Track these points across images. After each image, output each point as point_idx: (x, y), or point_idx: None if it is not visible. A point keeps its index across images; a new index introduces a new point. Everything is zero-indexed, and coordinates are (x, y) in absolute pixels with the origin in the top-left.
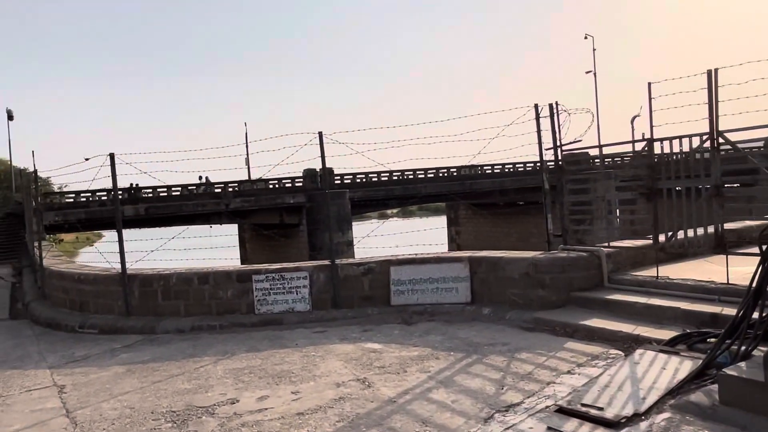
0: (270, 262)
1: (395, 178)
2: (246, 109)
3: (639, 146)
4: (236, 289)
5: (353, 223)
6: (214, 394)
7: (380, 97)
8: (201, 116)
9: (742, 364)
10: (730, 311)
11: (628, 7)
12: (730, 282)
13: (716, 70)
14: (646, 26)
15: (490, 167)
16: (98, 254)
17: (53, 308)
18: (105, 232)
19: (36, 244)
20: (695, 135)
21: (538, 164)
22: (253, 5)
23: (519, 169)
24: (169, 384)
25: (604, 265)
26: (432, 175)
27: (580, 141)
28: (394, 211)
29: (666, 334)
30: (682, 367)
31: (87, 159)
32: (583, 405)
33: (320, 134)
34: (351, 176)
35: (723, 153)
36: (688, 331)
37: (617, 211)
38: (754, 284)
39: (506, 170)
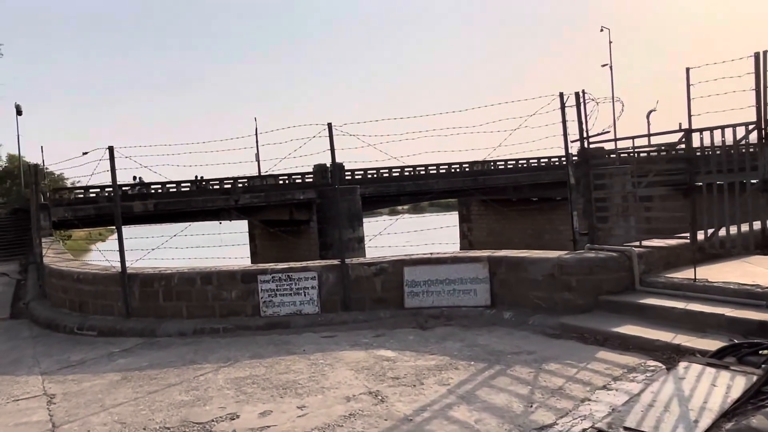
0: (280, 257)
1: (407, 173)
2: (257, 106)
3: (675, 138)
4: (241, 290)
5: (364, 220)
6: (212, 407)
7: (392, 98)
8: (212, 113)
9: None
10: None
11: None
12: None
13: (765, 52)
14: (663, 18)
15: (503, 162)
16: (107, 250)
17: (53, 308)
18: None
19: (39, 240)
20: (740, 125)
21: (554, 159)
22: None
23: (533, 165)
24: (165, 395)
25: (636, 267)
26: (444, 171)
27: (608, 132)
28: (405, 207)
29: (710, 344)
30: (734, 383)
31: (85, 153)
32: (626, 429)
33: (329, 126)
34: (362, 172)
35: None
36: (736, 341)
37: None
38: None
39: (520, 165)
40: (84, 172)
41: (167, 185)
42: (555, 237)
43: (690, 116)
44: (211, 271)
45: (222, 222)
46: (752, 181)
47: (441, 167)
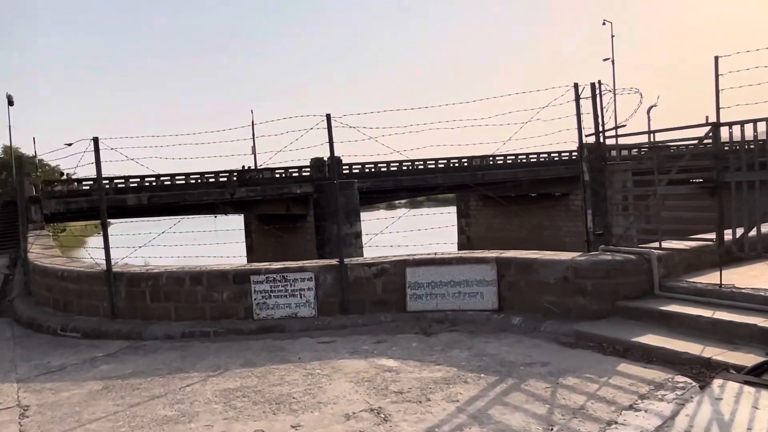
0: (277, 252)
1: (405, 168)
2: (253, 99)
3: (701, 132)
4: (233, 291)
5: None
6: (198, 425)
7: (385, 91)
8: (206, 106)
9: None
10: None
11: None
12: None
13: None
14: (663, 12)
15: (502, 158)
16: (98, 248)
17: (36, 307)
18: (113, 220)
19: (25, 234)
20: None
21: (554, 155)
22: None
23: (532, 160)
24: (147, 409)
25: (655, 270)
26: (443, 166)
27: (624, 126)
28: (402, 201)
29: (743, 357)
30: None
31: (69, 144)
32: None
33: (328, 117)
34: (360, 166)
35: None
36: None
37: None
38: None
39: (520, 161)
40: (70, 164)
41: (161, 178)
42: (554, 233)
43: (718, 108)
44: (201, 271)
45: (217, 216)
46: None
47: (440, 162)
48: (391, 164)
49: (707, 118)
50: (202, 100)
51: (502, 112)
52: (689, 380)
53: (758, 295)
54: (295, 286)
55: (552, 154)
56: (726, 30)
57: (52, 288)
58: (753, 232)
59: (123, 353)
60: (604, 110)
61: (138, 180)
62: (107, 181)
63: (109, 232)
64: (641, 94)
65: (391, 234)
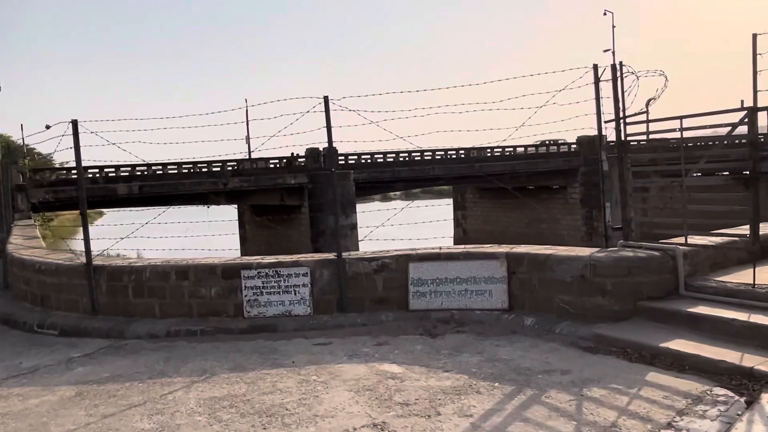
0: (270, 244)
1: (402, 159)
2: (246, 87)
3: (735, 117)
4: (222, 286)
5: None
6: None
7: (383, 82)
8: (200, 96)
9: None
10: None
11: None
12: None
13: None
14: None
15: (501, 149)
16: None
17: (14, 301)
18: (106, 210)
19: (6, 224)
20: None
21: (552, 147)
22: None
23: (530, 152)
24: (123, 420)
25: (680, 268)
26: (440, 157)
27: (645, 112)
28: (397, 193)
29: None
30: None
31: (48, 127)
32: None
33: (326, 99)
34: (355, 156)
35: None
36: None
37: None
38: None
39: (518, 153)
40: (49, 148)
41: (153, 167)
42: (552, 226)
43: (756, 92)
44: (187, 265)
45: (209, 206)
46: None
47: (437, 153)
48: (388, 155)
49: (742, 102)
50: (198, 88)
51: (508, 97)
52: (730, 393)
53: None
54: (289, 282)
55: (551, 147)
56: (729, 23)
57: (29, 281)
58: None
59: (102, 354)
60: (626, 94)
61: (129, 169)
62: (97, 170)
63: (101, 222)
64: (666, 77)
65: (385, 226)
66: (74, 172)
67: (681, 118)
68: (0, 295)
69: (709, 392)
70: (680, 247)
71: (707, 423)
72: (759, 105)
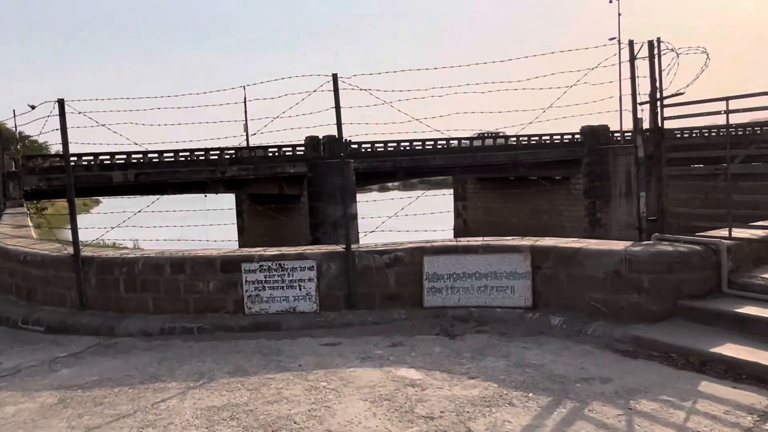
0: (269, 234)
1: (403, 148)
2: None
3: None
4: (220, 280)
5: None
6: None
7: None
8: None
9: None
10: None
11: None
12: None
13: None
14: None
15: (503, 139)
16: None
17: None
18: (103, 198)
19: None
20: None
21: (555, 137)
22: None
23: (533, 142)
24: None
25: (724, 264)
26: (442, 146)
27: (683, 93)
28: (395, 183)
29: None
30: None
31: (33, 107)
32: None
33: (335, 77)
34: (356, 145)
35: None
36: None
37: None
38: None
39: (521, 143)
40: (34, 130)
41: (149, 154)
42: (554, 217)
43: None
44: (183, 257)
45: (207, 195)
46: None
47: (439, 142)
48: (388, 144)
49: None
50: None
51: (536, 75)
52: None
53: None
54: (293, 276)
55: (554, 137)
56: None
57: (14, 273)
58: None
59: (90, 353)
60: (665, 73)
61: (125, 156)
62: (91, 157)
63: (98, 211)
64: (708, 54)
65: (381, 217)
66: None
67: (727, 99)
68: None
69: None
70: (723, 241)
71: None
72: None
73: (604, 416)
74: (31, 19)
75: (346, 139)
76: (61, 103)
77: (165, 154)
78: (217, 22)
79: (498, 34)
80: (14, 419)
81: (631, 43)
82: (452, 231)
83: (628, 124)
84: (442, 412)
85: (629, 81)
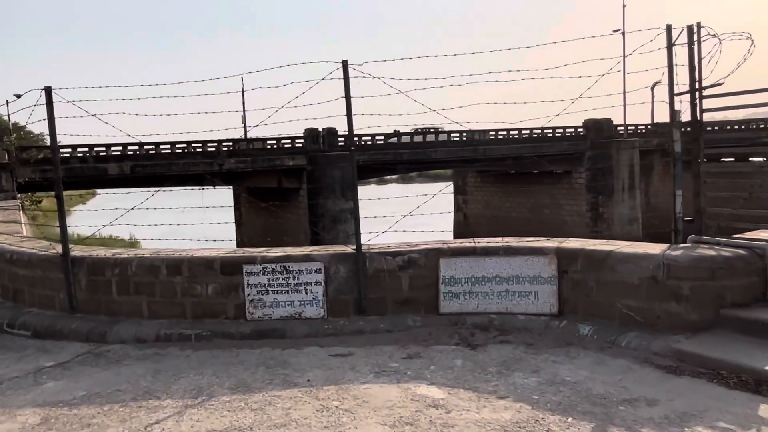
0: (267, 229)
1: (403, 141)
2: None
3: None
4: (220, 283)
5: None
6: None
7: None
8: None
9: None
10: None
11: None
12: None
13: None
14: None
15: (505, 132)
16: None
17: None
18: (99, 190)
19: None
20: None
21: (558, 130)
22: None
23: (534, 135)
24: None
25: None
26: (443, 139)
27: (722, 84)
28: (394, 177)
29: None
30: None
31: (18, 96)
32: None
33: (344, 64)
34: (356, 138)
35: None
36: None
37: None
38: None
39: (522, 136)
40: (22, 119)
41: (145, 146)
42: (555, 212)
43: None
44: (180, 258)
45: (204, 188)
46: None
47: (440, 134)
48: (389, 137)
49: None
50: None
51: (564, 63)
52: None
53: None
54: (299, 280)
55: (556, 130)
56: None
57: (0, 273)
58: None
59: (79, 363)
60: (705, 61)
61: (121, 148)
62: (86, 149)
63: (92, 205)
64: (753, 41)
65: (381, 208)
66: (63, 151)
67: None
68: None
69: None
70: None
71: None
72: None
73: None
74: (34, 15)
75: (342, 134)
76: (48, 91)
77: (162, 146)
78: (223, 16)
79: (502, 29)
80: None
81: (669, 28)
82: (452, 225)
83: (632, 118)
84: None
85: (666, 70)
